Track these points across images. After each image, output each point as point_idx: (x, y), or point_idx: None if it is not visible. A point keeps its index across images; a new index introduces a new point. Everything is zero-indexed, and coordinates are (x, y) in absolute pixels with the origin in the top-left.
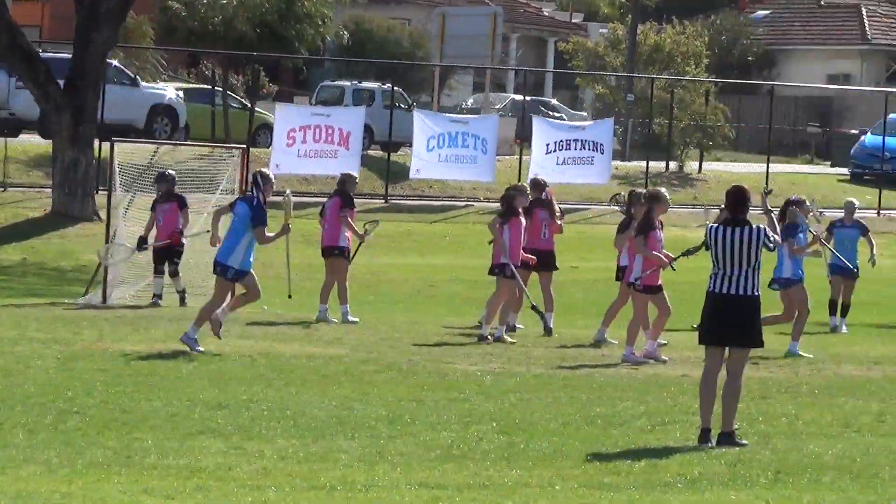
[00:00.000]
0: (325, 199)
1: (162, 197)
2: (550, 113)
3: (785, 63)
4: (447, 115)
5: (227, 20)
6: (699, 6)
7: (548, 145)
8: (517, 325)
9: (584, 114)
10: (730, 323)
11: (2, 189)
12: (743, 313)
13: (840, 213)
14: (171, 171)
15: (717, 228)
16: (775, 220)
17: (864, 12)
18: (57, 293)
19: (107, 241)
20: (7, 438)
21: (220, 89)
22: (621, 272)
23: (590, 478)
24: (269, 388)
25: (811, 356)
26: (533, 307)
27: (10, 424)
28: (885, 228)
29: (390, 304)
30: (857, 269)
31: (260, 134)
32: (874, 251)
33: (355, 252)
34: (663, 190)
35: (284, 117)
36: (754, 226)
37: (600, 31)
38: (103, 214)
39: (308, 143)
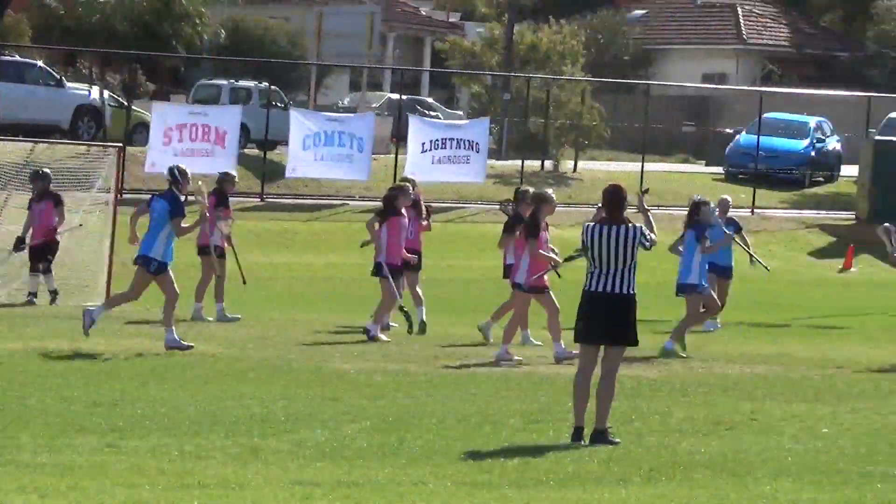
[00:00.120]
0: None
1: (37, 196)
2: (426, 112)
3: (661, 62)
4: (323, 113)
5: (105, 18)
6: (575, 6)
7: (423, 144)
8: (391, 324)
9: (461, 113)
10: (605, 321)
11: None
12: (618, 312)
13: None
14: (46, 170)
15: (593, 227)
16: (652, 219)
17: (739, 12)
18: None
19: None
20: None
21: (98, 87)
22: (508, 270)
23: (463, 476)
24: (144, 386)
25: (686, 355)
26: (401, 308)
27: None
28: (758, 227)
29: (266, 303)
30: (732, 268)
31: (137, 132)
32: (753, 251)
33: (234, 253)
34: (550, 191)
35: (161, 116)
36: (631, 225)
37: (477, 30)
38: None
39: (184, 141)
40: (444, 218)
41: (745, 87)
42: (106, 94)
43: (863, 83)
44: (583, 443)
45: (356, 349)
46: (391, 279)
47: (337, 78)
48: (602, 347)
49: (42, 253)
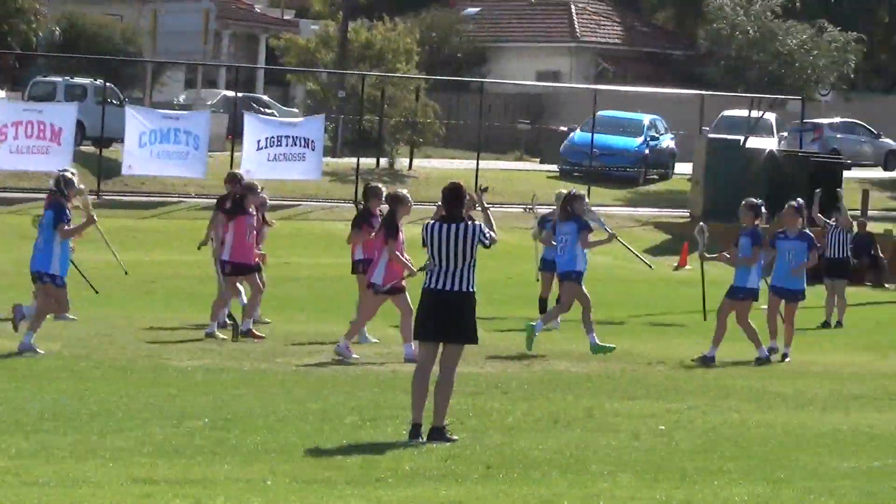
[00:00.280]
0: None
1: None
2: (262, 109)
3: (496, 60)
4: (159, 111)
5: None
6: (410, 3)
7: (259, 141)
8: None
9: (296, 110)
10: (444, 319)
11: None
12: (457, 309)
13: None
14: None
15: (433, 225)
16: (491, 217)
17: (573, 10)
18: None
19: None
20: None
21: None
22: (357, 266)
23: (302, 473)
24: None
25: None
26: (229, 315)
27: None
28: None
29: (106, 300)
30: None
31: None
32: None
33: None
34: (405, 191)
35: None
36: (470, 223)
37: (312, 27)
38: None
39: (20, 138)
40: (282, 216)
41: (580, 85)
42: None
43: (696, 81)
44: (421, 440)
45: (195, 347)
46: (220, 278)
47: (172, 75)
48: (441, 345)
49: None
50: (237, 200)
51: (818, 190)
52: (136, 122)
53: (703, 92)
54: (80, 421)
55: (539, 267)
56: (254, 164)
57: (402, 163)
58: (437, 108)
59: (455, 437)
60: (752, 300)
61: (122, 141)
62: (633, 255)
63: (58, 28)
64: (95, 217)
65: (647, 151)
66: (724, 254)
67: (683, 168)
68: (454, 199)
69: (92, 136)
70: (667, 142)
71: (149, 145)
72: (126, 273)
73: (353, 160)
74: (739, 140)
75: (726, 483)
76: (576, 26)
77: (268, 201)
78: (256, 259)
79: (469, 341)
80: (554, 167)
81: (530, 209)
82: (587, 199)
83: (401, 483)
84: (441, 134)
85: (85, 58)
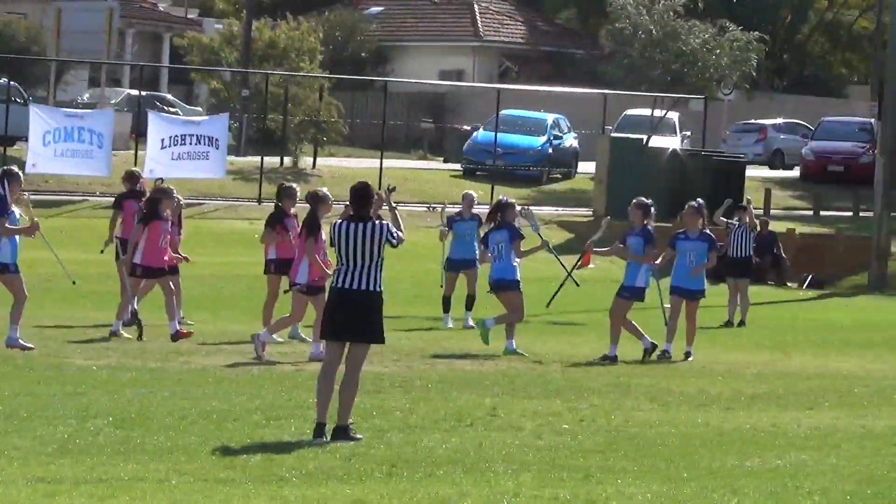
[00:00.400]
0: None
1: None
2: (166, 108)
3: (399, 59)
4: (63, 109)
5: None
6: (313, 3)
7: (163, 140)
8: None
9: (200, 109)
10: (351, 318)
11: None
12: (364, 309)
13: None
14: None
15: (340, 224)
16: (399, 216)
17: (476, 9)
18: None
19: None
20: None
21: None
22: (269, 266)
23: (206, 472)
24: None
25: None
26: (134, 311)
27: None
28: None
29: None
30: (477, 261)
31: None
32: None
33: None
34: (325, 189)
35: None
36: (378, 222)
37: (215, 26)
38: None
39: None
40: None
41: (483, 84)
42: None
43: (599, 81)
44: (325, 439)
45: (97, 346)
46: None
47: (77, 74)
48: (348, 344)
49: None
50: (151, 205)
51: (728, 200)
52: (40, 120)
53: (606, 91)
54: None
55: (444, 266)
56: (158, 162)
57: (306, 161)
58: (341, 107)
59: (359, 436)
60: (636, 300)
61: (26, 139)
62: (562, 266)
63: None
64: (39, 224)
65: (550, 150)
66: (614, 247)
67: (587, 167)
68: (362, 198)
69: None
70: (570, 141)
71: (53, 144)
72: (74, 283)
73: (257, 159)
74: (642, 139)
75: (629, 481)
76: (479, 26)
77: (182, 201)
78: (173, 261)
79: (376, 341)
80: (457, 166)
81: (433, 208)
82: (525, 207)
83: (305, 482)
84: (345, 133)
85: None
